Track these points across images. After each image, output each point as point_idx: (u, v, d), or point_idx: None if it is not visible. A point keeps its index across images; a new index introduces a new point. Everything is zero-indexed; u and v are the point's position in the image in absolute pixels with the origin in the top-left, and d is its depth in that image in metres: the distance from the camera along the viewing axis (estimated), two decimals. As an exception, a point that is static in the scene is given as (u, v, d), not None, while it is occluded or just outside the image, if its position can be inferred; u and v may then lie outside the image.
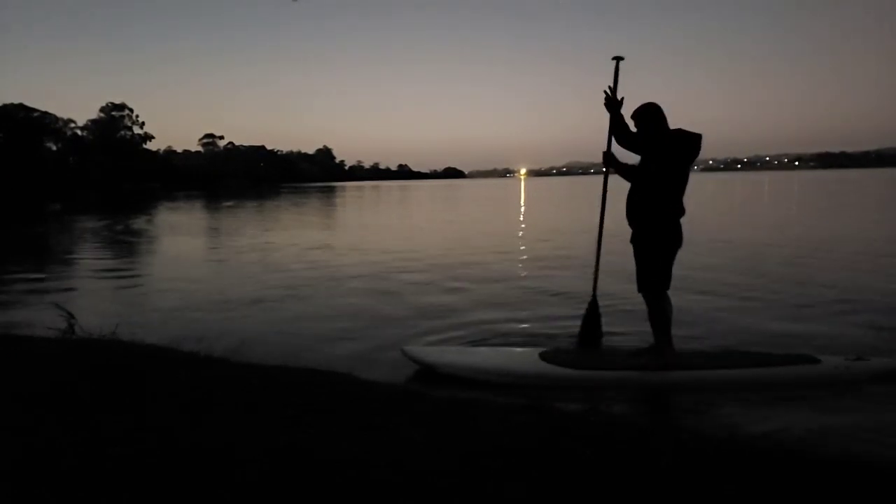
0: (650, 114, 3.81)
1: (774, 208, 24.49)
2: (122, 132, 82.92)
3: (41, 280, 9.95)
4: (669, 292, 3.96)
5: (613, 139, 4.06)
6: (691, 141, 3.70)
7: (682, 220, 3.87)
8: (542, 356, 4.01)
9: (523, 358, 4.07)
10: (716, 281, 7.85)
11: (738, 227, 16.48)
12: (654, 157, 3.78)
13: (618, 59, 4.06)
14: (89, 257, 13.33)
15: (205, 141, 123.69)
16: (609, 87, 4.05)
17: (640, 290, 3.92)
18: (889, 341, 4.73)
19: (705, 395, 3.68)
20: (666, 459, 2.08)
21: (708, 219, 18.70)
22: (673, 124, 3.85)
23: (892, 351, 4.38)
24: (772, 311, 6.03)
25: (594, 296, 4.34)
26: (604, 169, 4.20)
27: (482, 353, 4.42)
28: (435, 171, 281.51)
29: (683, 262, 4.25)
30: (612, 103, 4.03)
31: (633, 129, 3.95)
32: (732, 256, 10.28)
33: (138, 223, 24.34)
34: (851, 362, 3.88)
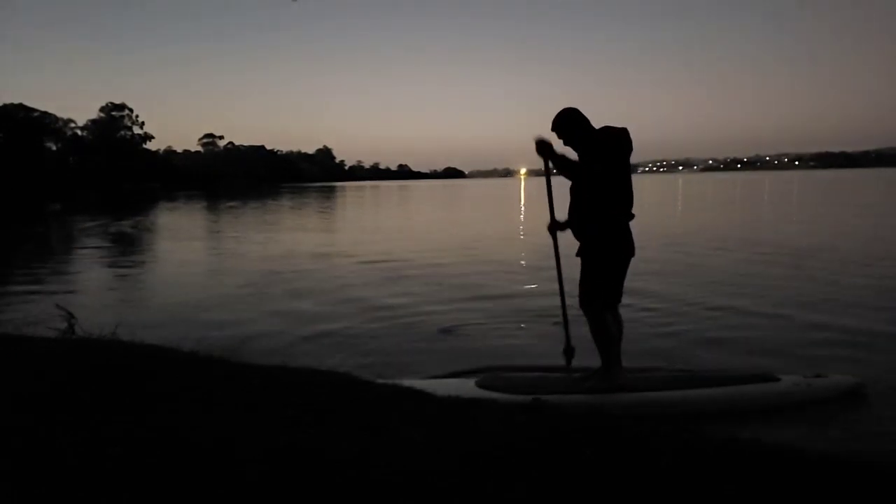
0: (570, 118, 3.50)
1: (764, 211, 24.51)
2: (122, 132, 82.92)
3: (41, 280, 9.95)
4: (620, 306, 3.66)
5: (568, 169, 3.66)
6: (620, 135, 3.43)
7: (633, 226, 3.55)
8: (479, 384, 3.77)
9: (458, 387, 3.73)
10: (675, 292, 7.49)
11: (722, 231, 16.48)
12: (591, 158, 3.47)
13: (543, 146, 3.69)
14: (89, 257, 13.33)
15: (205, 141, 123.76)
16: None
17: (581, 304, 3.58)
18: (849, 357, 4.62)
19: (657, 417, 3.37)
20: (666, 459, 2.08)
21: (683, 222, 18.73)
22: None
23: (851, 367, 4.27)
24: (731, 325, 5.81)
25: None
26: (552, 236, 3.81)
27: (416, 384, 4.17)
28: (435, 171, 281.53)
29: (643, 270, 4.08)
30: (543, 147, 3.62)
31: (559, 143, 3.62)
32: (695, 265, 10.01)
33: (138, 223, 24.34)
34: (811, 379, 3.76)
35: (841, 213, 20.55)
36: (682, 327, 5.77)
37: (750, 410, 3.54)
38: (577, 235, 3.58)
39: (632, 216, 3.50)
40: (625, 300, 3.72)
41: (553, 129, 3.56)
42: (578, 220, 3.53)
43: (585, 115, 3.53)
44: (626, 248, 3.48)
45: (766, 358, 4.64)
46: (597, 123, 3.55)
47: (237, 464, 1.96)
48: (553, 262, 3.89)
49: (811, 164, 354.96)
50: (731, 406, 3.56)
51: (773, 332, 5.49)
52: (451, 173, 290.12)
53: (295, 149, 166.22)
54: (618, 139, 3.40)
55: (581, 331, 3.72)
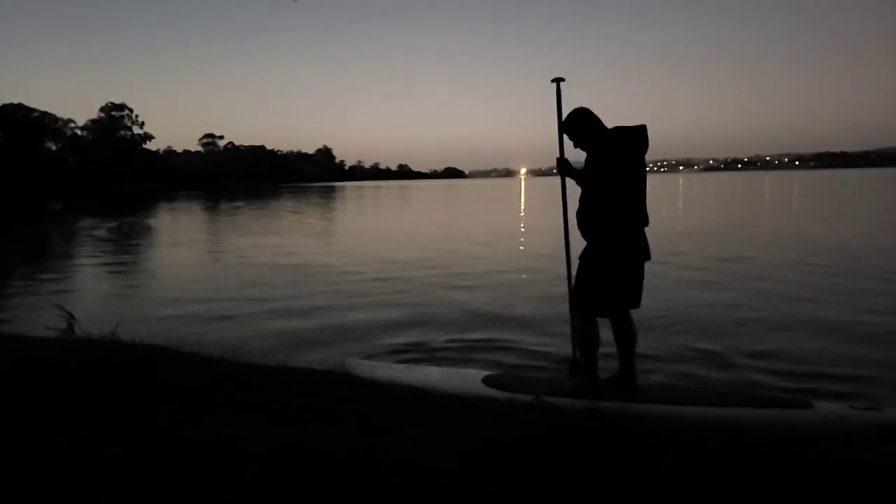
0: (580, 116, 3.42)
1: (787, 208, 24.49)
2: (122, 132, 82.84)
3: (41, 280, 9.95)
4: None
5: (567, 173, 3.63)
6: (634, 133, 3.31)
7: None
8: (485, 380, 3.75)
9: (467, 380, 3.81)
10: (705, 296, 7.50)
11: (732, 229, 16.46)
12: (596, 156, 3.36)
13: (558, 80, 3.71)
14: (89, 257, 13.33)
15: (205, 141, 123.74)
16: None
17: (570, 307, 3.51)
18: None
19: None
20: (666, 459, 2.07)
21: (697, 219, 18.69)
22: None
23: None
24: (783, 336, 5.26)
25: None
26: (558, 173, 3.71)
27: (426, 371, 4.19)
28: (435, 171, 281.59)
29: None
30: (563, 166, 3.61)
31: (570, 143, 3.55)
32: (722, 268, 9.95)
33: (139, 223, 24.34)
34: (857, 411, 3.14)
35: (866, 211, 20.39)
36: (725, 334, 5.35)
37: (763, 438, 2.93)
38: (583, 236, 3.46)
39: (643, 222, 3.34)
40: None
41: (563, 131, 3.50)
42: (581, 223, 3.43)
43: (598, 115, 3.43)
44: (628, 256, 3.30)
45: (819, 379, 4.15)
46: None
47: (237, 464, 1.95)
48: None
49: (811, 164, 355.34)
50: (740, 430, 3.08)
51: (835, 351, 4.82)
52: (452, 173, 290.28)
53: (295, 149, 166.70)
54: (626, 137, 3.31)
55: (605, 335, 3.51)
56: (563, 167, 3.61)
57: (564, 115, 3.50)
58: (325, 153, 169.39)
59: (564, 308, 3.80)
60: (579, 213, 3.43)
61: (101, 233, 20.01)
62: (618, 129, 3.35)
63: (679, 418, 3.16)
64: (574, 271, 3.61)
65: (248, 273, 10.04)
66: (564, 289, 3.73)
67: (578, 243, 3.53)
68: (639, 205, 3.33)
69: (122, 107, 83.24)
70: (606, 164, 3.30)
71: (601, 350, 3.55)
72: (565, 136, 3.55)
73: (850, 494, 1.92)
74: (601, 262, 3.34)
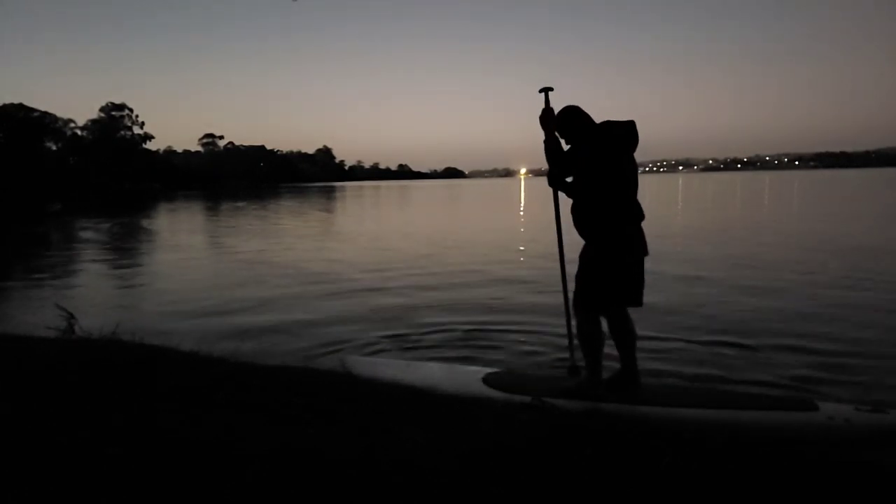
0: (570, 114, 3.42)
1: (794, 208, 24.47)
2: (122, 132, 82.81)
3: (41, 280, 9.95)
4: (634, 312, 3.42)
5: (554, 159, 3.57)
6: (624, 129, 3.30)
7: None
8: (485, 379, 3.69)
9: (466, 378, 3.74)
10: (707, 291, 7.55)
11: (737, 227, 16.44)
12: (588, 153, 3.33)
13: (546, 90, 3.69)
14: (89, 257, 13.34)
15: (205, 141, 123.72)
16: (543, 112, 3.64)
17: (573, 305, 3.47)
18: None
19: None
20: (666, 459, 2.07)
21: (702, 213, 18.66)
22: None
23: None
24: (792, 334, 5.23)
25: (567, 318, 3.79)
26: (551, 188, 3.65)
27: (426, 368, 4.12)
28: (435, 171, 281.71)
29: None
30: (547, 117, 3.54)
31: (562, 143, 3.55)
32: (728, 262, 10.01)
33: (139, 223, 24.34)
34: (863, 413, 3.10)
35: (868, 211, 20.38)
36: (727, 335, 5.28)
37: (767, 441, 2.75)
38: (580, 234, 3.45)
39: (638, 217, 3.32)
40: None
41: (556, 130, 3.50)
42: (575, 222, 3.42)
43: (587, 112, 3.42)
44: (623, 252, 3.28)
45: (823, 381, 4.15)
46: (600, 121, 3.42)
47: (237, 464, 1.95)
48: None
49: (811, 163, 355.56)
50: (745, 432, 2.92)
51: (841, 352, 4.78)
52: (451, 173, 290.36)
53: (295, 149, 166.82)
54: (614, 132, 3.29)
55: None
56: (554, 180, 3.57)
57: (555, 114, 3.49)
58: (325, 153, 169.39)
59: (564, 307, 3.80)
60: (573, 212, 3.40)
61: (101, 233, 20.01)
62: (607, 123, 3.34)
63: (681, 420, 3.09)
64: (575, 271, 3.56)
65: (248, 273, 10.05)
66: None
67: (576, 243, 3.52)
68: (632, 200, 3.32)
69: (122, 107, 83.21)
70: (598, 161, 3.28)
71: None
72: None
73: (851, 495, 1.92)
74: (596, 259, 3.33)
